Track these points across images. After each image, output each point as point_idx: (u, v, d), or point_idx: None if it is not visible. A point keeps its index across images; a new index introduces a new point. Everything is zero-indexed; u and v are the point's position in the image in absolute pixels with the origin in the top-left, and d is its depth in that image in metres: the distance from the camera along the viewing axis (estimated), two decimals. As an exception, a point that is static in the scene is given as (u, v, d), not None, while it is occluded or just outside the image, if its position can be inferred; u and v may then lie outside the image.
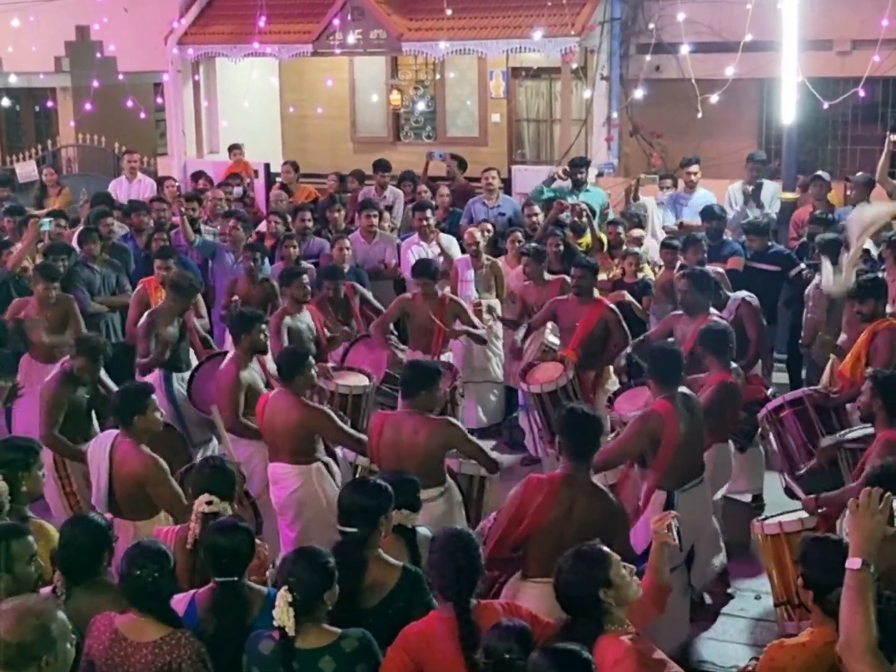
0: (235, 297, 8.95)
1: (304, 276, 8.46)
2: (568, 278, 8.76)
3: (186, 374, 8.22)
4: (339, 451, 6.91)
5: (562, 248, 9.65)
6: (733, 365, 6.93)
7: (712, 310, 7.75)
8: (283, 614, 3.94)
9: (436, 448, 5.96)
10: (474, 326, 8.79)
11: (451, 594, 4.09)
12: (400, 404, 6.30)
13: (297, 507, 6.44)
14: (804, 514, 5.76)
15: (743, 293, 8.30)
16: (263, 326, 7.33)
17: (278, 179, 13.46)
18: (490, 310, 9.43)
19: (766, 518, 5.81)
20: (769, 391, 7.87)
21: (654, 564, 4.54)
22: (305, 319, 8.41)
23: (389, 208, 11.77)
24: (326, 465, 6.55)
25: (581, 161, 11.58)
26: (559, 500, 5.02)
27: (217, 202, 11.58)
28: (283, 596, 3.95)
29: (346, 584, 4.28)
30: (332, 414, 6.55)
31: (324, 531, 6.23)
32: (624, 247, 9.88)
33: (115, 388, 7.05)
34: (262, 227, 11.39)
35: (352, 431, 6.58)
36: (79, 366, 7.03)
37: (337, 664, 3.98)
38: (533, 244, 9.35)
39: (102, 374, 7.23)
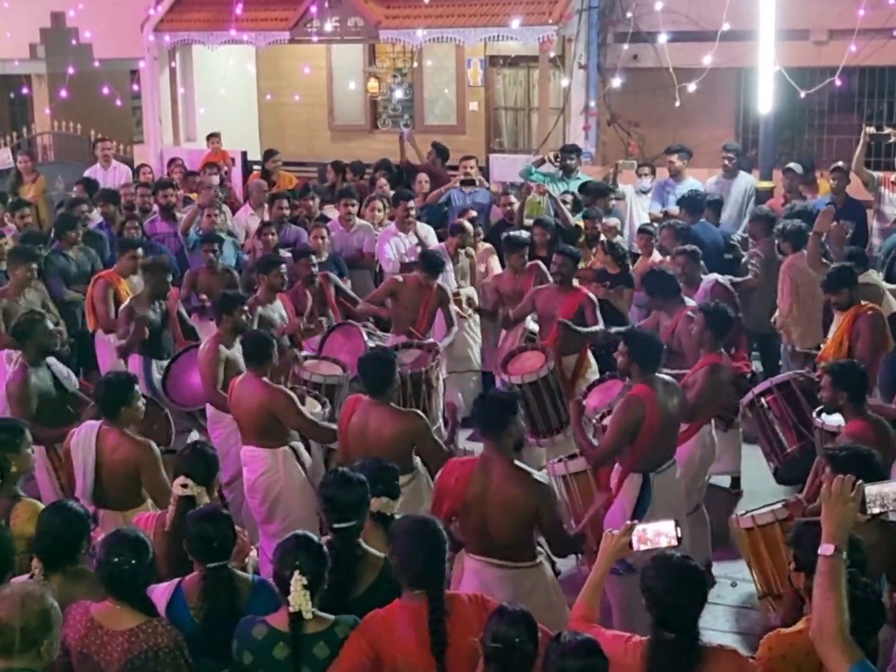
0: (203, 297, 9.01)
1: (283, 265, 8.46)
2: (542, 265, 8.78)
3: (166, 363, 8.13)
4: None
5: (548, 236, 9.61)
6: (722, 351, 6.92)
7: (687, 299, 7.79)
8: (300, 598, 3.92)
9: (401, 441, 5.93)
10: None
11: (426, 582, 4.04)
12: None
13: (264, 490, 6.49)
14: (777, 507, 5.80)
15: (715, 275, 8.29)
16: (245, 308, 7.51)
17: (256, 168, 13.39)
18: (469, 301, 9.46)
19: (744, 513, 5.86)
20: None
21: (595, 580, 4.18)
22: (278, 309, 8.40)
23: None
24: (295, 449, 6.55)
25: (572, 148, 11.59)
26: (471, 482, 5.07)
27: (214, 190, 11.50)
28: (298, 580, 3.92)
29: (343, 576, 4.27)
30: (295, 398, 6.50)
31: (290, 513, 6.39)
32: (602, 237, 9.84)
33: (64, 372, 7.04)
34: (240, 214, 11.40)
35: (312, 418, 6.54)
36: (25, 354, 6.94)
37: (331, 650, 3.99)
38: (518, 235, 9.32)
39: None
